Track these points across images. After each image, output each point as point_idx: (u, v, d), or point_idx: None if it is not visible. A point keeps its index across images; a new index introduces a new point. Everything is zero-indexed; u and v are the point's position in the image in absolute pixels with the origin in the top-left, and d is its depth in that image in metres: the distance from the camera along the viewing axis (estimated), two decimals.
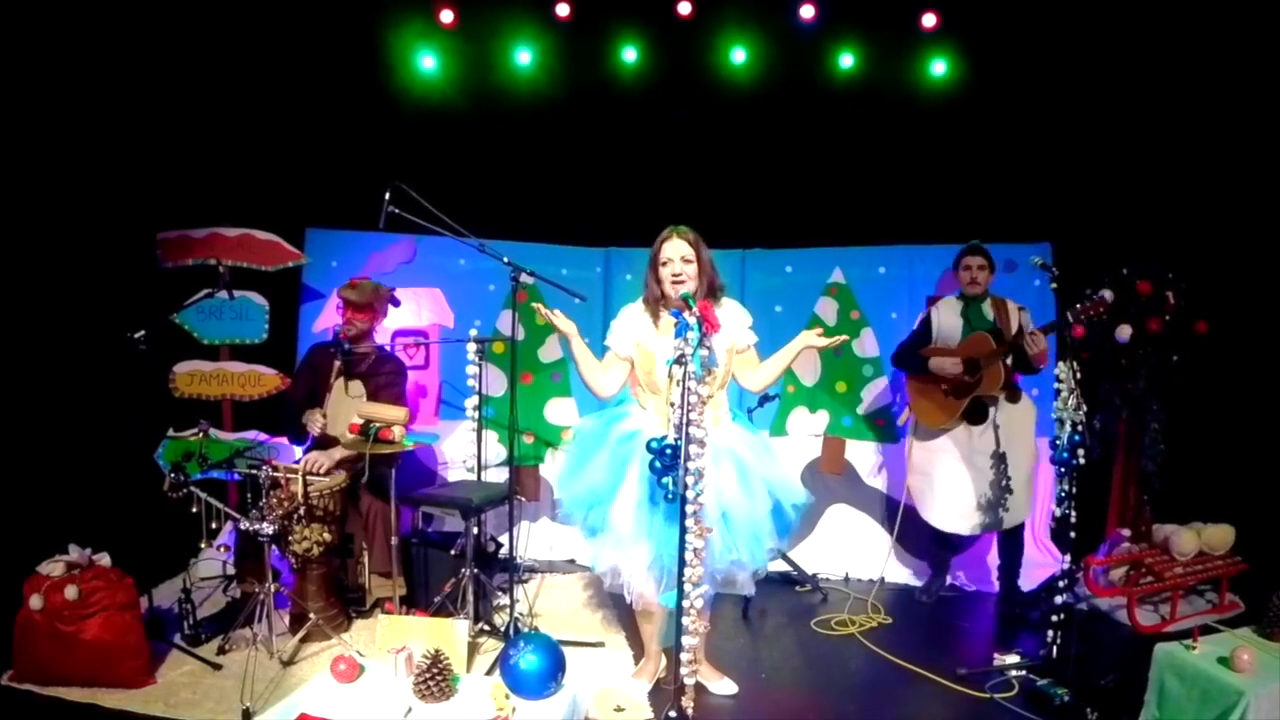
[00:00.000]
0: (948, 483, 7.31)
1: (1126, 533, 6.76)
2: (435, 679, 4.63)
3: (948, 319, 7.32)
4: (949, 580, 7.90)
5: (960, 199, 8.52)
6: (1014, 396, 7.17)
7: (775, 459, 5.58)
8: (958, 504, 7.28)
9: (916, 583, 8.01)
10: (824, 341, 5.19)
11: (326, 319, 8.33)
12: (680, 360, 4.40)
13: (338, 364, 7.09)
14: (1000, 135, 8.38)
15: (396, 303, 7.46)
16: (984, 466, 7.15)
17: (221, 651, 6.13)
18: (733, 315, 5.38)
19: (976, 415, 7.16)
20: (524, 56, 8.58)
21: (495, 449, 8.31)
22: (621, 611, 6.82)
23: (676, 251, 5.20)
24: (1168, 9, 7.59)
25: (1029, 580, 7.53)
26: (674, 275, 5.16)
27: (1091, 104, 8.05)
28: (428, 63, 8.56)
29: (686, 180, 8.61)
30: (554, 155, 8.77)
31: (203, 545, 6.15)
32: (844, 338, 5.35)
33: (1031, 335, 6.64)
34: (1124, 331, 6.77)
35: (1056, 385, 5.59)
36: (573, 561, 8.45)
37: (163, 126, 7.69)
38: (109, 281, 7.28)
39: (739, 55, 8.59)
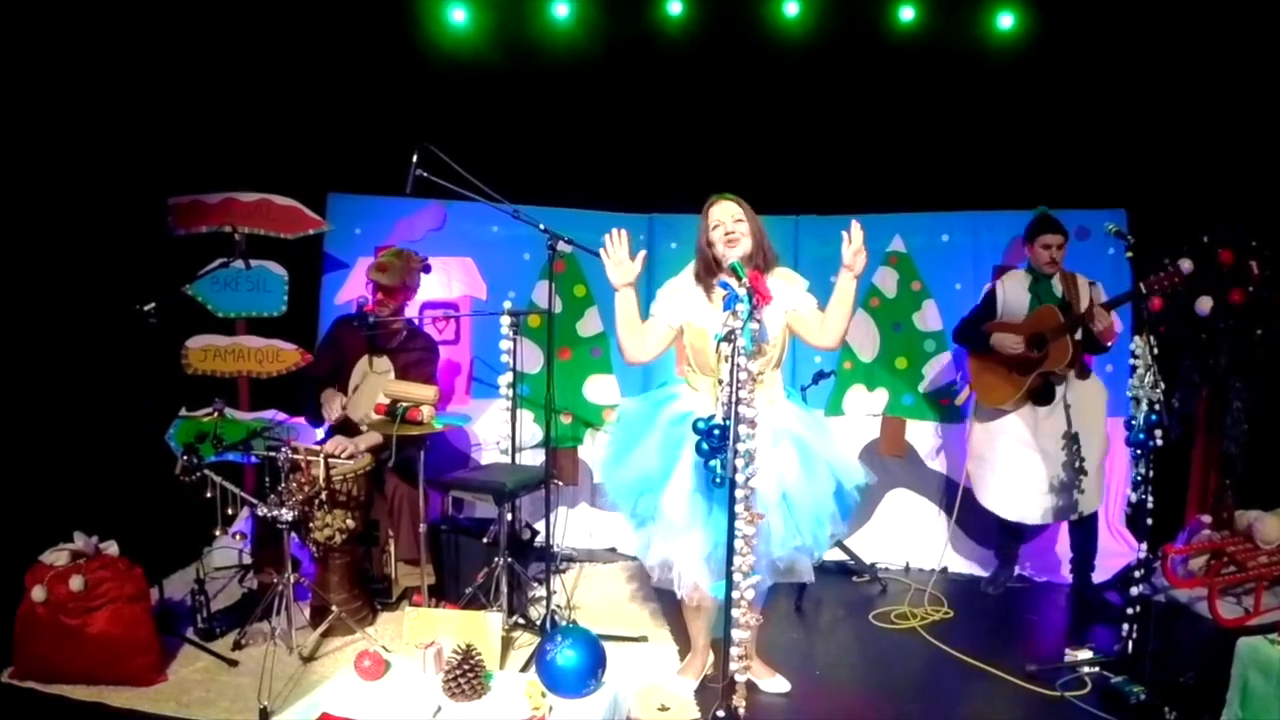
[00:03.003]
0: (1009, 467, 7.21)
1: (1207, 519, 6.61)
2: (466, 676, 4.61)
3: (1014, 293, 7.18)
4: (1017, 570, 7.77)
5: (1029, 161, 8.32)
6: (1083, 374, 7.06)
7: (833, 438, 5.51)
8: (1020, 490, 7.17)
9: (982, 573, 7.91)
10: (854, 247, 4.90)
11: (350, 290, 8.32)
12: (729, 336, 4.30)
13: (363, 338, 7.01)
14: (1072, 93, 8.19)
15: (428, 269, 7.39)
16: (1051, 449, 7.05)
17: (237, 647, 6.04)
18: (785, 284, 5.31)
19: (1043, 394, 7.04)
20: (561, 9, 8.43)
21: (531, 429, 8.33)
22: (666, 604, 6.78)
23: (726, 213, 5.18)
24: None
25: (1103, 570, 7.42)
26: (727, 235, 5.13)
27: (1170, 59, 7.82)
28: (458, 15, 8.43)
29: (736, 142, 8.49)
30: (593, 115, 8.61)
31: (217, 533, 6.00)
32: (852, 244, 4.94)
33: (1095, 310, 6.56)
34: (1204, 304, 6.64)
35: (1132, 361, 5.48)
36: (614, 550, 8.40)
37: (175, 83, 7.54)
38: (117, 250, 7.15)
39: (791, 8, 8.39)
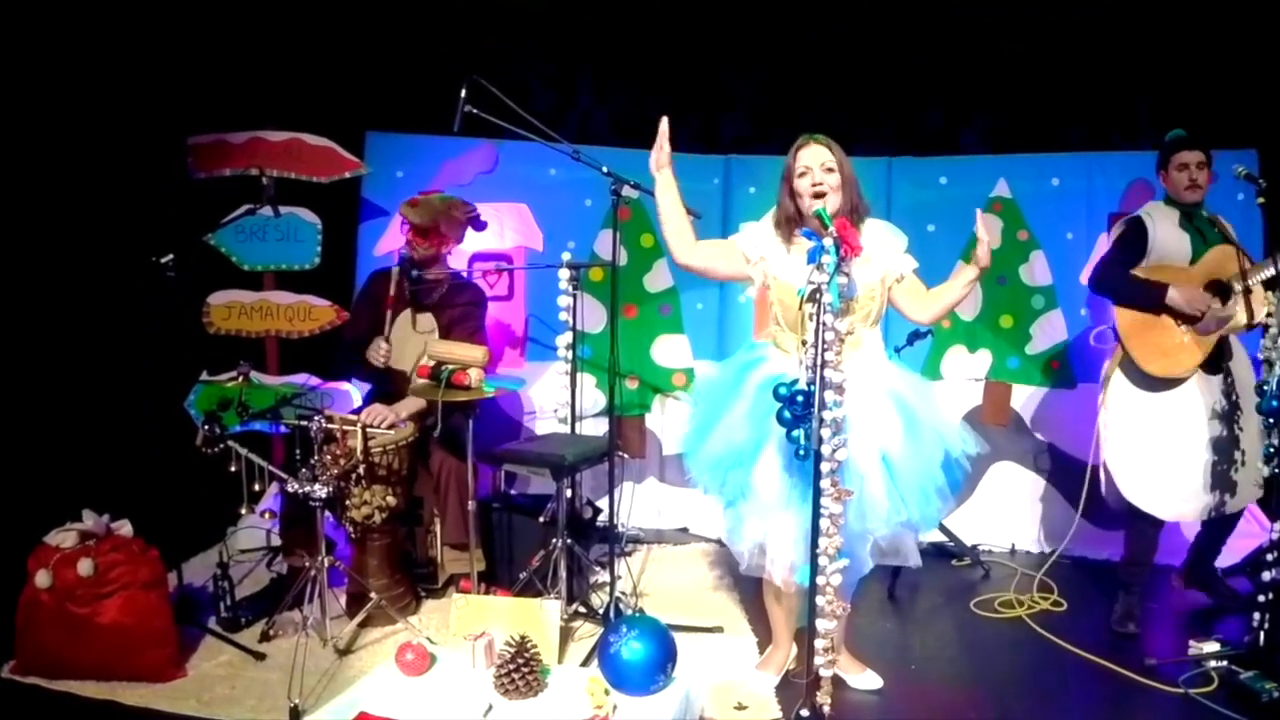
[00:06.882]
0: (1170, 453, 6.34)
1: None
2: (520, 671, 4.59)
3: (1167, 230, 6.24)
4: None
5: (1148, 98, 8.21)
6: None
7: (939, 402, 5.40)
8: (1188, 485, 6.33)
9: (1098, 555, 7.70)
10: (984, 250, 4.91)
11: (391, 240, 8.21)
12: (814, 292, 4.22)
13: (404, 294, 6.94)
14: (1195, 20, 7.87)
15: (480, 225, 7.30)
16: (1223, 430, 6.29)
17: (265, 638, 5.97)
18: (883, 238, 5.18)
19: (1213, 361, 6.26)
20: None
21: (593, 395, 8.28)
22: (744, 591, 6.69)
23: (816, 159, 4.99)
24: None
25: (1232, 553, 7.12)
26: (814, 185, 4.94)
27: None
28: None
29: (821, 76, 8.38)
30: (661, 46, 8.44)
31: (242, 511, 5.92)
32: (987, 239, 4.95)
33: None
34: None
35: (1265, 320, 5.39)
36: (685, 530, 8.34)
37: (196, 9, 7.44)
38: (131, 195, 7.08)
39: None
